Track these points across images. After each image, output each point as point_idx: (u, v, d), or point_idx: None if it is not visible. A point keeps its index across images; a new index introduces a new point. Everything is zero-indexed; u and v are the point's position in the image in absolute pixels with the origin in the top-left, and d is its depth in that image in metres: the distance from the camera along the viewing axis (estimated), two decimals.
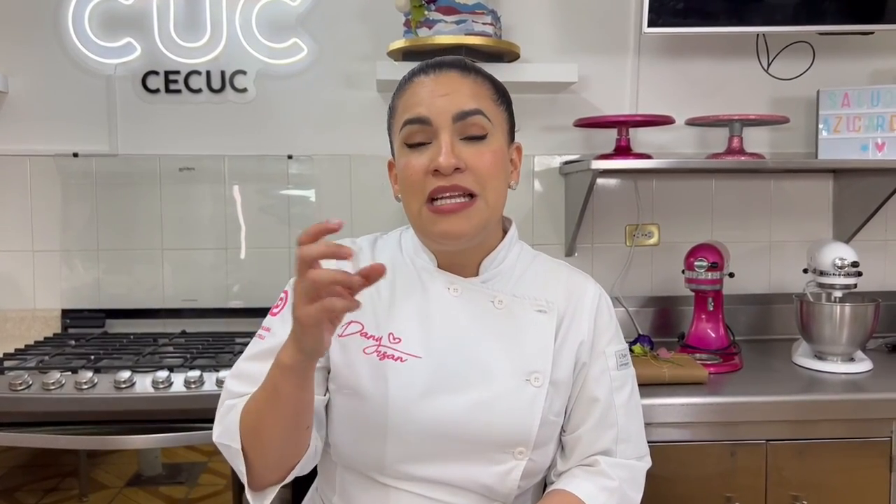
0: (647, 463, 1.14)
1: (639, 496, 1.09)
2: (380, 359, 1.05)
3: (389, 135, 1.14)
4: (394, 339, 1.07)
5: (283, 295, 1.15)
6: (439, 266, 1.12)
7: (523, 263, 1.16)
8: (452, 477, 1.02)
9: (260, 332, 1.13)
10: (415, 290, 1.11)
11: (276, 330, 1.10)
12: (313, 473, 1.20)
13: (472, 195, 1.03)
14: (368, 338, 1.07)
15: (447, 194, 1.02)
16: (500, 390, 1.04)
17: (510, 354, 1.07)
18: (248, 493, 1.03)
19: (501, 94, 1.12)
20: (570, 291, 1.14)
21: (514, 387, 1.04)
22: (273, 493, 1.04)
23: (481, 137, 1.05)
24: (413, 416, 1.03)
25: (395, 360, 1.05)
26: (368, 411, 1.04)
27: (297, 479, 1.13)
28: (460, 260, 1.12)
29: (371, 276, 0.84)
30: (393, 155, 1.14)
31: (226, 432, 1.02)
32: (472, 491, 1.04)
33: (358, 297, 1.10)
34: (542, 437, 1.06)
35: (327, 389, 1.11)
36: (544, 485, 1.21)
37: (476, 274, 1.13)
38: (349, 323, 1.09)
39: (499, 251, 1.13)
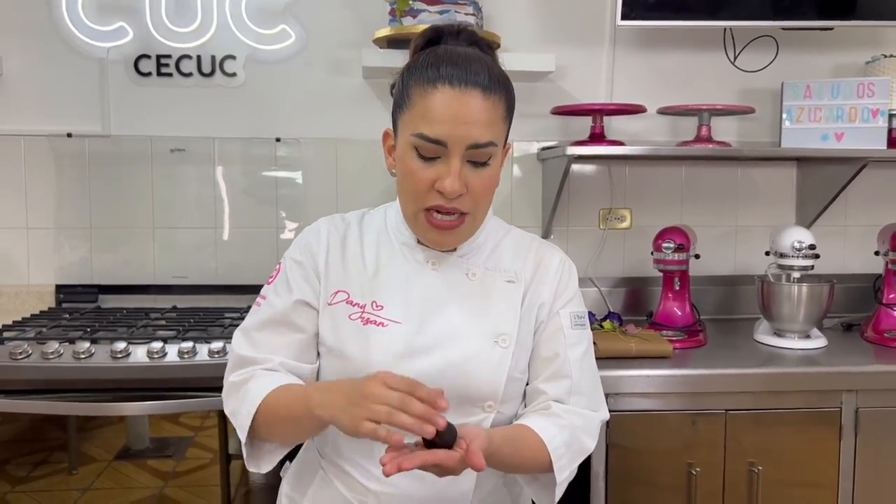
0: (603, 415, 1.24)
1: (593, 443, 1.19)
2: (363, 324, 1.15)
3: (396, 112, 1.16)
4: (376, 306, 1.16)
5: (277, 266, 1.25)
6: (419, 243, 1.22)
7: (496, 238, 1.26)
8: None
9: (258, 299, 1.23)
10: (397, 263, 1.21)
11: (271, 299, 1.21)
12: None
13: (463, 213, 1.13)
14: (354, 305, 1.17)
15: (444, 213, 1.12)
16: (470, 351, 1.15)
17: (480, 320, 1.17)
18: (247, 463, 1.17)
19: (511, 105, 1.16)
20: (538, 262, 1.24)
21: (483, 348, 1.15)
22: (271, 464, 1.18)
23: (485, 163, 1.12)
24: None
25: (378, 325, 1.15)
26: (353, 371, 1.13)
27: None
28: None
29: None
30: (394, 128, 1.17)
31: (235, 417, 1.15)
32: None
33: (345, 268, 1.20)
34: (508, 393, 1.17)
35: (318, 354, 1.21)
36: None
37: (453, 249, 1.22)
38: (337, 292, 1.19)
39: None
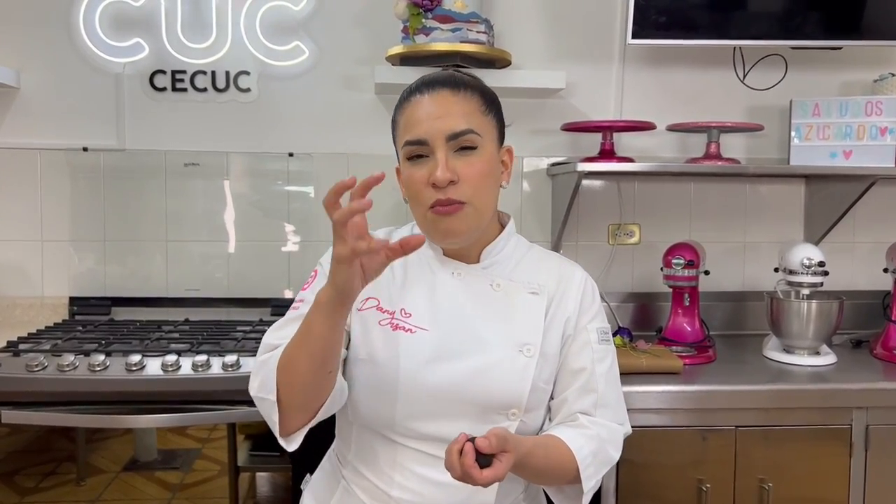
0: (627, 429, 1.27)
1: (618, 454, 1.22)
2: (392, 330, 1.19)
3: (394, 143, 1.26)
4: (405, 313, 1.20)
5: (313, 273, 1.28)
6: (445, 255, 1.26)
7: (519, 253, 1.30)
8: (453, 434, 1.12)
9: (294, 303, 1.25)
10: (424, 274, 1.24)
11: (310, 299, 1.18)
12: (330, 438, 1.32)
13: (461, 203, 1.16)
14: (383, 312, 1.21)
15: (443, 206, 1.16)
16: (495, 359, 1.18)
17: (505, 329, 1.20)
18: (279, 440, 1.14)
19: (490, 102, 1.23)
20: (560, 276, 1.27)
21: (508, 356, 1.18)
22: (301, 436, 1.14)
23: (472, 149, 1.18)
24: (420, 381, 1.16)
25: (406, 331, 1.18)
26: (382, 375, 1.17)
27: (316, 443, 1.26)
28: (464, 250, 1.26)
29: (407, 247, 0.99)
30: (398, 159, 1.25)
31: (262, 386, 1.12)
32: None
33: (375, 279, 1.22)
34: (532, 402, 1.19)
35: (347, 346, 1.22)
36: None
37: (478, 261, 1.26)
38: (367, 298, 1.22)
39: (497, 242, 1.27)
